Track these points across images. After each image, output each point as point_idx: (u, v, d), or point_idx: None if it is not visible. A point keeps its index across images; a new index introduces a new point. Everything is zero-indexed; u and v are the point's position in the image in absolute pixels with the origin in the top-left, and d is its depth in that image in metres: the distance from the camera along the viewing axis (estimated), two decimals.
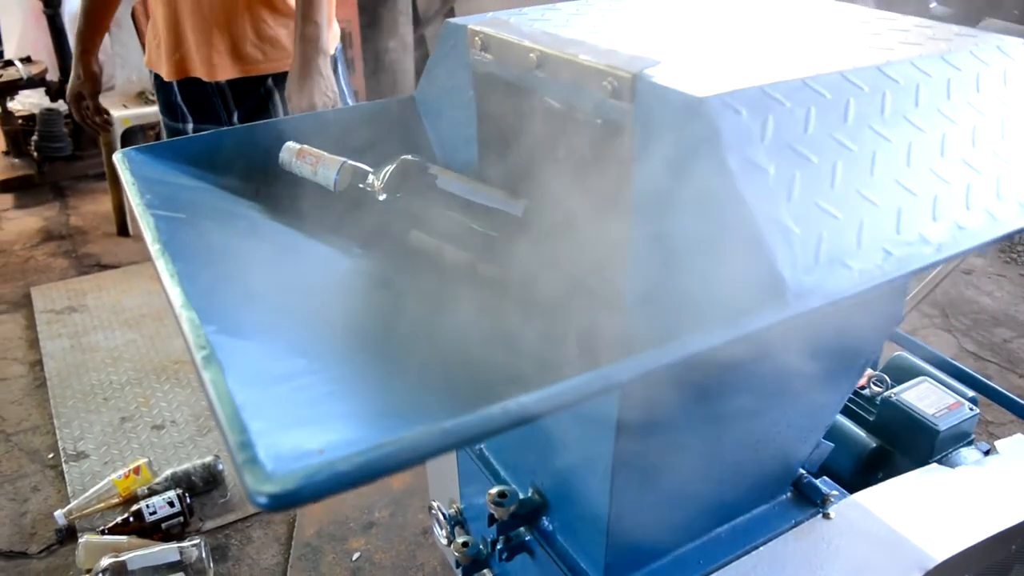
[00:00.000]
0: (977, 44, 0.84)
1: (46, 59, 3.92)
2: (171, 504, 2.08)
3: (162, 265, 0.71)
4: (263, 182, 1.02)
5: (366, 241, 0.94)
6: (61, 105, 3.90)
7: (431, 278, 0.86)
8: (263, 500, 0.45)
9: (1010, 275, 3.12)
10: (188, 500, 2.11)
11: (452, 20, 0.96)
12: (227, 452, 0.49)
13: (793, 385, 0.93)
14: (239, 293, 0.73)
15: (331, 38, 2.00)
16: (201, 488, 2.19)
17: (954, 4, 4.99)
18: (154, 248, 0.74)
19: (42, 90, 3.89)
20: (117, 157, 0.96)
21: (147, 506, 2.07)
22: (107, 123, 2.11)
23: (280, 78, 1.94)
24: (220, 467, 2.23)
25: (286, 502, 0.45)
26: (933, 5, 5.10)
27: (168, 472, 2.19)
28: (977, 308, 2.90)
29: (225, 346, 0.59)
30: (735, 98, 0.66)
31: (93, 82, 2.02)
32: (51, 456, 2.38)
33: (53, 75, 3.89)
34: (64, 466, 2.32)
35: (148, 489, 2.15)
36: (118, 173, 0.94)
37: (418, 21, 4.36)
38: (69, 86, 2.04)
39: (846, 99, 0.72)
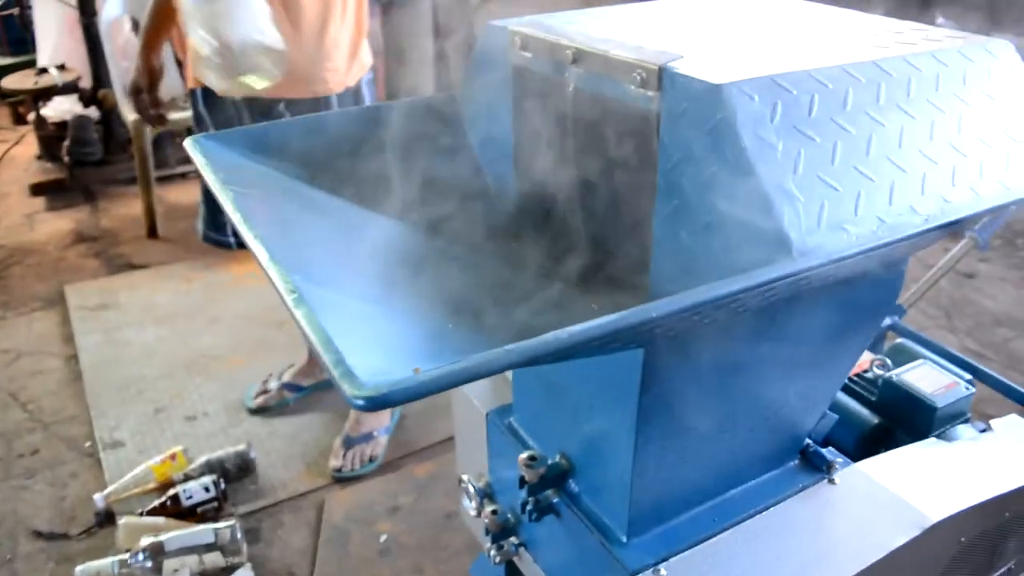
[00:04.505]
0: (965, 44, 0.93)
1: (80, 66, 4.06)
2: (207, 489, 2.18)
3: (245, 230, 0.81)
4: (318, 168, 1.12)
5: (416, 214, 1.05)
6: (93, 111, 4.04)
7: (478, 250, 0.96)
8: (360, 403, 0.55)
9: (1012, 279, 3.21)
10: (222, 486, 2.21)
11: (492, 22, 1.07)
12: (326, 371, 0.58)
13: (802, 352, 1.03)
14: (312, 254, 0.83)
15: (356, 68, 2.15)
16: (234, 474, 2.29)
17: (960, 21, 5.11)
18: (236, 216, 0.84)
19: (75, 96, 4.03)
20: (188, 143, 1.07)
21: (184, 491, 2.17)
22: (163, 117, 2.25)
23: (291, 104, 2.06)
24: (252, 455, 2.33)
25: (380, 403, 0.55)
26: (940, 21, 5.21)
27: (203, 459, 2.29)
28: (980, 310, 2.99)
29: (309, 291, 0.69)
30: (749, 85, 0.76)
31: (151, 76, 2.17)
32: (88, 444, 2.49)
33: (86, 82, 4.03)
34: (101, 454, 2.42)
35: (184, 475, 2.25)
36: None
37: (438, 34, 4.48)
38: (130, 80, 2.20)
39: (846, 88, 0.81)
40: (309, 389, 2.60)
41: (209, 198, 2.35)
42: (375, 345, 0.67)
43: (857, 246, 0.75)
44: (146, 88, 2.18)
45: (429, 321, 0.80)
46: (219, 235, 2.43)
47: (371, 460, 2.35)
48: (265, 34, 1.83)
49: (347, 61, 2.11)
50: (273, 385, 2.59)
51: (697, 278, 0.82)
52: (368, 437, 2.36)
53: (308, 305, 0.65)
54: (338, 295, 0.76)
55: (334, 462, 2.33)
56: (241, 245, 2.19)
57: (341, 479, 2.30)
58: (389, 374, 0.58)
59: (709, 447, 1.09)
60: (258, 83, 1.88)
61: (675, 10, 1.10)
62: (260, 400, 2.57)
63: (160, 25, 2.15)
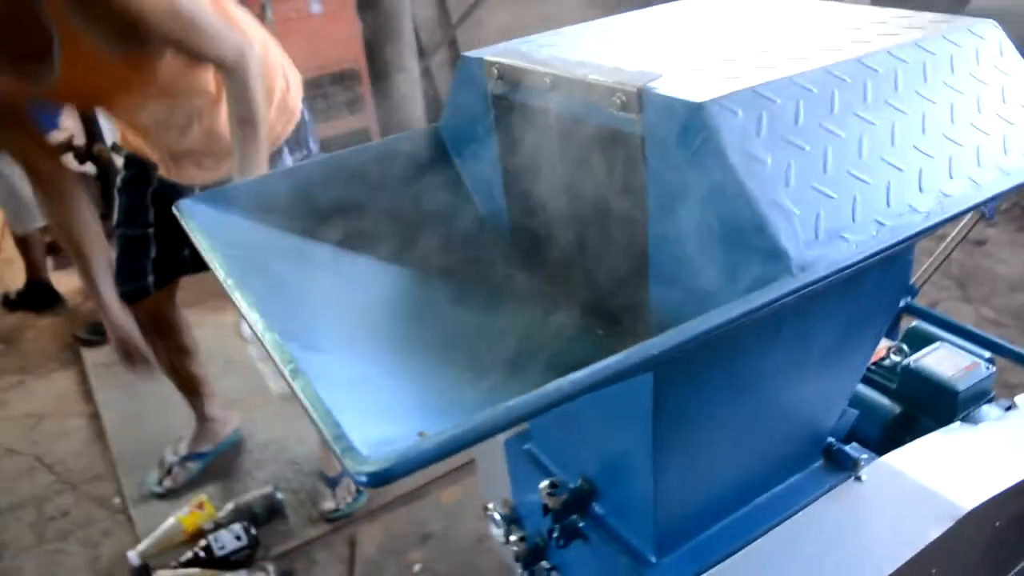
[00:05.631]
0: (950, 29, 0.91)
1: (72, 125, 4.07)
2: (238, 538, 2.18)
3: (238, 296, 0.80)
4: (308, 219, 1.11)
5: (407, 260, 1.04)
6: (90, 167, 4.04)
7: (476, 287, 0.95)
8: (363, 479, 0.54)
9: (1023, 242, 3.17)
10: (253, 531, 2.20)
11: (467, 54, 1.06)
12: (327, 445, 0.57)
13: (814, 354, 1.01)
14: (307, 316, 0.82)
15: (282, 124, 2.01)
16: (263, 518, 2.29)
17: None
18: (228, 283, 0.83)
19: (70, 155, 4.04)
20: (175, 209, 1.06)
21: (215, 539, 2.17)
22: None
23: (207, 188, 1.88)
24: (279, 496, 2.32)
25: (384, 478, 0.54)
26: None
27: (231, 505, 2.29)
28: (993, 276, 2.95)
29: (307, 360, 0.68)
30: (730, 100, 0.74)
31: (123, 323, 1.94)
32: (117, 501, 2.49)
33: (80, 140, 4.04)
34: (131, 510, 2.42)
35: (214, 523, 2.25)
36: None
37: (422, 53, 4.48)
38: (112, 340, 1.95)
39: (831, 91, 0.80)
40: (212, 453, 2.56)
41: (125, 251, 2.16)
42: (379, 410, 0.66)
43: (858, 253, 0.73)
44: (132, 340, 1.94)
45: (433, 376, 0.79)
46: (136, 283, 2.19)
47: (359, 492, 2.34)
48: None
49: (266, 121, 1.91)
50: (172, 461, 2.51)
51: (696, 297, 0.80)
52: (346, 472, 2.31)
53: (306, 376, 0.64)
54: (337, 359, 0.75)
55: (328, 504, 2.31)
56: (158, 284, 2.17)
57: (336, 518, 2.29)
58: (393, 443, 0.57)
59: (730, 458, 1.08)
60: None
61: (648, 21, 1.08)
62: (168, 483, 2.48)
63: (89, 250, 1.91)
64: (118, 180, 2.16)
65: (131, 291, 2.17)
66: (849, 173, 0.77)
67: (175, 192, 2.01)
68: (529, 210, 1.03)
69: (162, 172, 2.06)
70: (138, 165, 2.09)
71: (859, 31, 0.93)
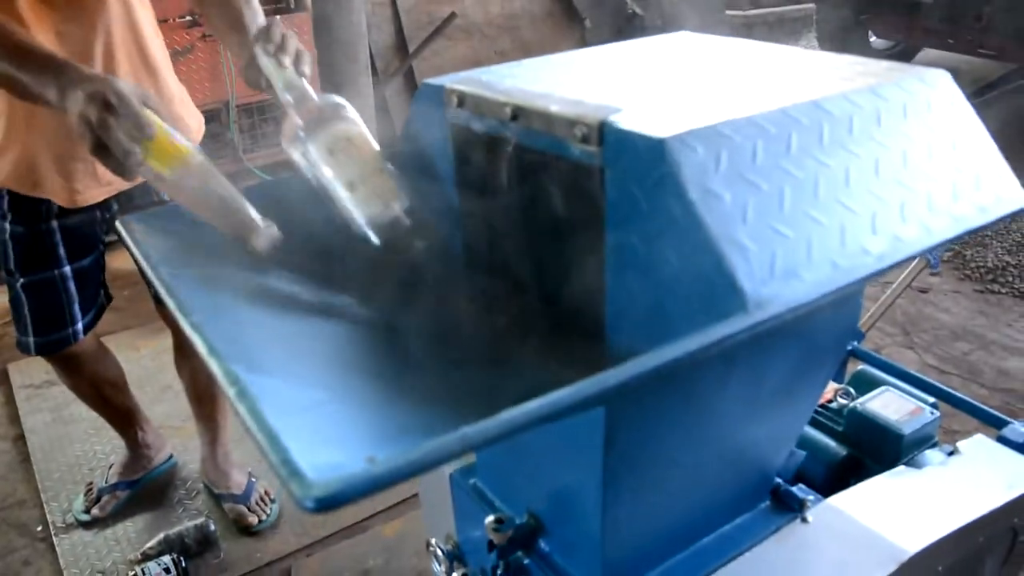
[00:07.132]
0: (903, 77, 0.93)
1: None
2: (167, 570, 2.09)
3: (182, 317, 0.77)
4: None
5: (358, 286, 1.02)
6: None
7: (429, 316, 0.93)
8: (310, 504, 0.52)
9: (965, 291, 3.26)
10: (183, 564, 2.12)
11: (427, 80, 1.05)
12: (272, 471, 0.55)
13: (765, 393, 1.01)
14: (254, 338, 0.80)
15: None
16: (195, 550, 2.21)
17: (893, 37, 5.27)
18: (172, 302, 0.80)
19: None
20: (118, 224, 1.03)
21: (143, 571, 2.08)
22: None
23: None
24: (212, 528, 2.24)
25: (332, 503, 0.51)
26: (873, 39, 5.37)
27: (160, 536, 2.21)
28: (937, 324, 3.03)
29: (253, 383, 0.65)
30: (691, 137, 0.75)
31: None
32: (39, 529, 2.38)
33: None
34: (54, 539, 2.32)
35: (142, 555, 2.17)
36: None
37: (377, 80, 4.48)
38: None
39: (788, 132, 0.81)
40: (143, 481, 2.47)
41: (33, 295, 1.93)
42: (327, 436, 0.64)
43: (812, 292, 0.73)
44: None
45: (383, 404, 0.77)
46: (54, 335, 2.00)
47: (272, 499, 2.35)
48: None
49: None
50: (102, 488, 2.42)
51: (654, 331, 0.80)
52: (250, 484, 2.37)
53: (252, 398, 0.62)
54: (286, 383, 0.72)
55: (250, 519, 2.30)
56: (88, 327, 2.04)
57: (262, 529, 2.30)
58: (341, 468, 0.54)
59: (678, 496, 1.07)
60: None
61: (612, 57, 1.09)
62: (96, 511, 2.37)
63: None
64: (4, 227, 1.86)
65: (55, 341, 1.99)
66: (805, 213, 0.77)
67: (85, 221, 1.88)
68: (485, 240, 1.03)
69: (60, 201, 1.79)
70: (25, 204, 1.81)
71: (815, 74, 0.94)
